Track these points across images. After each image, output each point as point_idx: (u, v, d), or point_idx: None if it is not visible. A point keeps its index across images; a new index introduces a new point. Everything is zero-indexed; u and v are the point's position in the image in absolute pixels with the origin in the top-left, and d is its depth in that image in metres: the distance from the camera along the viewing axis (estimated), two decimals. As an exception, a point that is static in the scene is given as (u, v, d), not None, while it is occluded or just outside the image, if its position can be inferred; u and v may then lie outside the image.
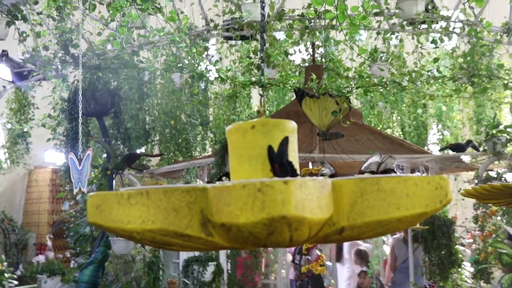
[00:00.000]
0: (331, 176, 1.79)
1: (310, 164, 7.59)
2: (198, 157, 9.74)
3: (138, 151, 8.88)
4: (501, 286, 5.17)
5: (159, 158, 9.84)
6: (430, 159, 7.80)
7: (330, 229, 1.52)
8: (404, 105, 10.31)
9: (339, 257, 8.71)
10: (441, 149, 8.36)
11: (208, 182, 7.20)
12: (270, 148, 1.57)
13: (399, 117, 10.66)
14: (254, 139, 1.70)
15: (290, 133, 1.72)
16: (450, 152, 7.77)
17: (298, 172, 1.59)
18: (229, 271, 7.57)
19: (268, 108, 10.49)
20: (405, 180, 1.50)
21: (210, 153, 9.95)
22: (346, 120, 6.74)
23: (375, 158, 1.75)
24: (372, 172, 1.74)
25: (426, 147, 10.22)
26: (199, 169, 8.76)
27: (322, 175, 1.81)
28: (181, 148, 9.81)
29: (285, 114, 8.65)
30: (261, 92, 1.79)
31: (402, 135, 10.54)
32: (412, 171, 7.91)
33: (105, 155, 8.56)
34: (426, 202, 1.50)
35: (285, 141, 1.57)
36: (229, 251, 7.65)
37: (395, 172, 1.72)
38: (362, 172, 1.76)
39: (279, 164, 1.53)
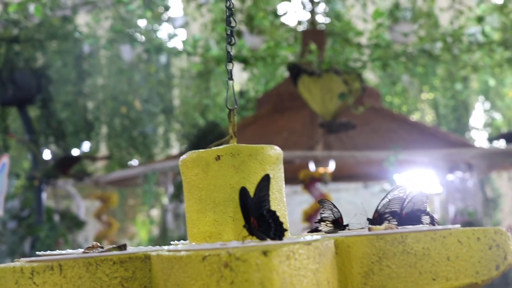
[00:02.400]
0: (333, 223, 1.66)
1: (310, 164, 7.49)
2: (160, 158, 9.62)
3: (76, 152, 8.73)
4: None
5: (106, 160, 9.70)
6: (475, 153, 7.72)
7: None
8: (438, 79, 10.24)
9: None
10: (490, 139, 8.28)
11: (174, 195, 7.02)
12: (243, 192, 1.44)
13: (431, 96, 10.59)
14: (221, 176, 1.59)
15: (272, 165, 1.60)
16: (503, 143, 7.69)
17: (286, 226, 1.45)
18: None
19: (254, 87, 10.36)
20: (443, 236, 1.38)
21: (176, 152, 9.83)
22: (359, 105, 6.63)
23: (398, 193, 1.63)
24: (393, 215, 1.61)
25: (468, 136, 10.15)
26: (162, 174, 8.64)
27: (319, 221, 1.68)
28: (136, 144, 9.69)
29: (276, 97, 8.55)
30: (230, 106, 1.66)
31: (435, 120, 10.47)
32: (451, 170, 7.84)
33: (30, 159, 8.42)
34: (476, 268, 1.39)
35: (265, 182, 1.43)
36: None
37: (429, 217, 1.59)
38: (378, 217, 1.63)
39: (256, 216, 1.40)
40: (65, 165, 7.71)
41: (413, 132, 8.18)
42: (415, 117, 10.27)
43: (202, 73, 9.28)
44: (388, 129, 8.11)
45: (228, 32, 1.71)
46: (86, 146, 9.55)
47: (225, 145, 1.64)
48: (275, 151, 1.65)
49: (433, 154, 7.41)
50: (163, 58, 10.17)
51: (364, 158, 7.20)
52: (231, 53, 1.71)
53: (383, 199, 1.65)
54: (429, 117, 10.71)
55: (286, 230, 1.44)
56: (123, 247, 1.44)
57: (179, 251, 1.28)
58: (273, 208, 1.44)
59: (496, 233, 1.41)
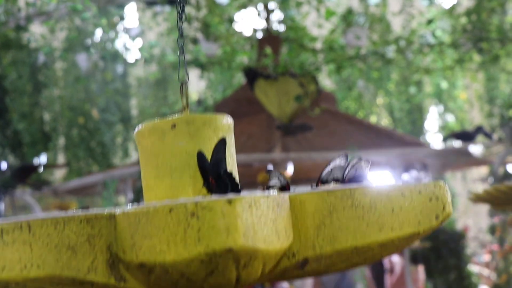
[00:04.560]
0: (281, 189, 1.76)
1: (269, 167, 7.58)
2: (118, 166, 9.63)
3: (34, 161, 8.72)
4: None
5: (65, 169, 9.68)
6: (429, 153, 7.89)
7: (289, 263, 1.50)
8: (392, 83, 10.44)
9: None
10: (443, 139, 8.47)
11: (134, 200, 7.04)
12: (200, 156, 1.54)
13: (386, 100, 10.77)
14: (177, 143, 1.67)
15: (225, 133, 1.69)
16: (455, 142, 7.87)
17: (240, 186, 1.55)
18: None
19: (212, 95, 10.45)
20: (388, 191, 1.49)
21: (134, 160, 9.84)
22: (315, 107, 6.76)
23: (339, 161, 1.73)
24: (337, 181, 1.72)
25: (423, 138, 10.35)
26: (121, 182, 8.66)
27: (268, 188, 1.78)
28: (95, 154, 9.70)
29: (233, 103, 8.64)
30: (182, 77, 1.75)
31: (391, 124, 10.65)
32: (406, 169, 8.00)
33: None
34: (418, 218, 1.50)
35: (221, 145, 1.53)
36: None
37: (370, 181, 1.70)
38: (322, 182, 1.73)
39: (214, 176, 1.49)
40: (23, 174, 7.68)
41: (369, 134, 8.33)
42: (371, 120, 10.43)
43: (159, 81, 9.34)
44: (345, 132, 8.26)
45: (179, 10, 1.80)
46: (43, 157, 9.53)
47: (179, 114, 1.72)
48: (227, 120, 1.75)
49: (389, 153, 7.56)
50: (119, 68, 10.21)
51: (322, 159, 7.32)
52: (182, 29, 1.79)
53: (325, 168, 1.75)
54: (384, 121, 10.90)
55: (241, 190, 1.54)
56: (85, 208, 1.52)
57: (145, 207, 1.37)
58: (229, 169, 1.54)
59: (436, 186, 1.53)
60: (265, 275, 1.45)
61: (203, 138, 1.68)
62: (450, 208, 1.52)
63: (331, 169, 1.74)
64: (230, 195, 1.32)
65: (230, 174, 1.51)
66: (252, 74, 6.94)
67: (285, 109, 7.09)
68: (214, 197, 1.31)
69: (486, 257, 9.86)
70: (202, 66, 6.72)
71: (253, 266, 1.36)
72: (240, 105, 8.68)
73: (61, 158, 10.17)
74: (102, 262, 1.44)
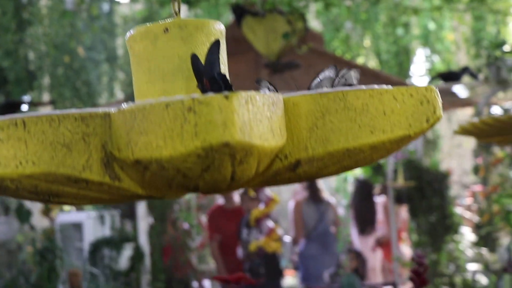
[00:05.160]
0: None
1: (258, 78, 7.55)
2: (103, 105, 9.62)
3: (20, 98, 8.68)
4: (510, 253, 5.35)
5: (50, 106, 9.64)
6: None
7: (281, 164, 1.52)
8: (380, 25, 10.40)
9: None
10: (430, 80, 8.49)
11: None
12: (194, 58, 1.54)
13: (373, 41, 10.76)
14: (169, 47, 1.68)
15: (218, 38, 1.69)
16: (441, 82, 7.87)
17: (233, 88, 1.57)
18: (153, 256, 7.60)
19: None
20: (380, 94, 1.51)
21: (120, 100, 9.82)
22: (302, 45, 6.74)
23: (329, 73, 1.73)
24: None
25: (410, 80, 10.37)
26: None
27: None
28: (80, 94, 9.65)
29: (220, 41, 8.59)
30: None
31: (378, 66, 10.66)
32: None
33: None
34: (409, 121, 1.52)
35: (215, 47, 1.54)
36: (151, 230, 7.64)
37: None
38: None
39: (208, 78, 1.50)
40: (7, 111, 7.63)
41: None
42: (358, 61, 10.42)
43: (146, 19, 9.25)
44: (331, 72, 8.24)
45: None
46: (28, 97, 9.48)
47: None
48: (220, 26, 1.75)
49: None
50: (105, 6, 10.11)
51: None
52: None
53: (314, 79, 1.75)
54: (371, 63, 10.90)
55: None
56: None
57: (141, 103, 1.38)
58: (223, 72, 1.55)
59: (427, 90, 1.54)
60: (259, 174, 1.47)
61: (196, 42, 1.68)
62: (441, 111, 1.54)
63: (320, 80, 1.75)
64: (228, 92, 1.33)
65: (224, 76, 1.53)
66: (239, 11, 6.91)
67: (272, 46, 7.08)
68: (212, 94, 1.33)
69: (468, 200, 9.97)
70: (189, 2, 6.65)
71: (248, 163, 1.37)
72: (227, 44, 8.63)
73: (46, 98, 10.11)
74: (97, 160, 1.46)
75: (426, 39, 10.51)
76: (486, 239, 7.74)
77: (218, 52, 1.56)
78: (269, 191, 7.82)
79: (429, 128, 1.54)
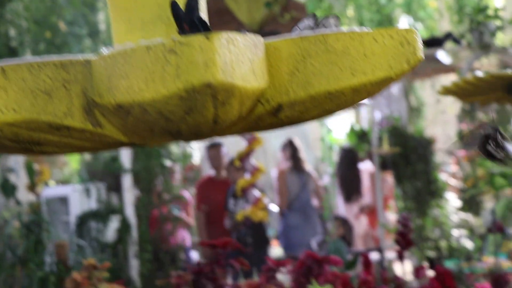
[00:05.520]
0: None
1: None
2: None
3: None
4: (495, 216, 5.41)
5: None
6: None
7: (263, 109, 1.52)
8: (362, -6, 10.35)
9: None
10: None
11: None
12: (174, 4, 1.54)
13: (356, 11, 10.70)
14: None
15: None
16: (424, 49, 7.88)
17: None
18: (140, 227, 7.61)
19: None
20: (361, 36, 1.51)
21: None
22: (285, 13, 6.73)
23: (308, 22, 1.72)
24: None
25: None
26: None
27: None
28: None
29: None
30: None
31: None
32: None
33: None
34: (390, 63, 1.52)
35: (194, -7, 1.53)
36: (137, 203, 7.64)
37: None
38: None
39: (189, 22, 1.50)
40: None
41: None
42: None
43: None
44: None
45: None
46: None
47: None
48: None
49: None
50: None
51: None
52: None
53: (293, 29, 1.74)
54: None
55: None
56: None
57: (122, 48, 1.37)
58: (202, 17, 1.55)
59: (407, 32, 1.55)
60: (241, 118, 1.47)
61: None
62: (421, 53, 1.55)
63: (300, 30, 1.74)
64: (209, 33, 1.32)
65: (204, 21, 1.52)
66: (221, -20, 6.89)
67: (254, 15, 7.07)
68: (193, 35, 1.32)
69: (453, 168, 10.03)
70: None
71: (230, 104, 1.38)
72: (210, 16, 8.58)
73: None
74: (78, 107, 1.46)
75: (409, 7, 10.48)
76: (470, 203, 7.81)
77: (197, -1, 1.56)
78: (254, 161, 7.84)
79: (410, 70, 1.54)
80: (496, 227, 4.86)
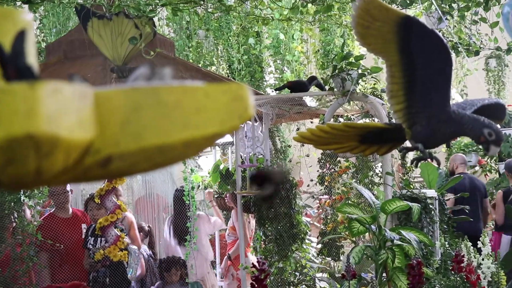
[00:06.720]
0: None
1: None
2: None
3: None
4: (349, 262, 5.53)
5: None
6: (263, 101, 8.03)
7: (92, 159, 1.51)
8: (232, 34, 10.51)
9: None
10: (277, 89, 8.66)
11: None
12: (-1, 47, 1.51)
13: (225, 50, 10.85)
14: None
15: (26, 28, 1.67)
16: (288, 91, 8.03)
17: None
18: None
19: (44, 38, 10.15)
20: (194, 90, 1.53)
21: None
22: (150, 50, 6.73)
23: (144, 70, 1.74)
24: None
25: (261, 89, 10.54)
26: None
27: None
28: None
29: (66, 45, 8.47)
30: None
31: (230, 75, 10.77)
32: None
33: None
34: (222, 118, 1.55)
35: (20, 36, 1.51)
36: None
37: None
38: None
39: (15, 68, 1.48)
40: None
41: (206, 79, 8.38)
42: (209, 70, 10.50)
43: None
44: (181, 78, 8.28)
45: None
46: None
47: None
48: (27, 16, 1.73)
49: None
50: None
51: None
52: None
53: (129, 78, 1.75)
54: (224, 72, 10.99)
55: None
56: None
57: None
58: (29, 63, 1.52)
59: (240, 88, 1.58)
60: (69, 168, 1.45)
61: (4, 32, 1.65)
62: (251, 109, 1.58)
63: (135, 77, 1.75)
64: (33, 81, 1.31)
65: (30, 68, 1.50)
66: (84, 13, 6.82)
67: (119, 51, 7.04)
68: (16, 83, 1.30)
69: (317, 211, 10.26)
70: (30, 1, 6.44)
71: (55, 156, 1.35)
72: (74, 48, 8.48)
73: None
74: None
75: (277, 50, 10.71)
76: (330, 248, 7.99)
77: (24, 42, 1.53)
78: (114, 199, 7.76)
79: (242, 123, 1.58)
80: (351, 274, 5.00)
